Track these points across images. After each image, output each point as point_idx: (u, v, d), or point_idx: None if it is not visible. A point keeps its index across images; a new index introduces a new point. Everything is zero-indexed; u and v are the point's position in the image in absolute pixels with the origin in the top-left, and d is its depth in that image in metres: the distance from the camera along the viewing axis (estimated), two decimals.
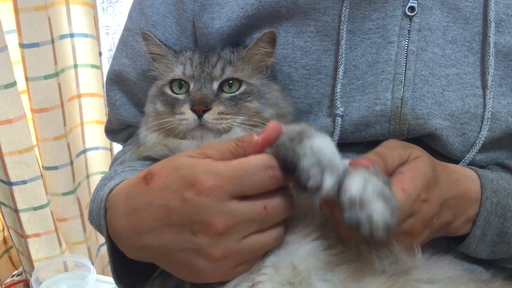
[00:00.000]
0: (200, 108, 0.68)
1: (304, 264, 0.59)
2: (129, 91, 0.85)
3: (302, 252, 0.59)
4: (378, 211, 0.51)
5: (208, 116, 0.68)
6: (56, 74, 1.45)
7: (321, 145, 0.55)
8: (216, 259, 0.56)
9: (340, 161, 0.55)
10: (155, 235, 0.58)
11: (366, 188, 0.52)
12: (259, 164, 0.55)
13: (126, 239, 0.61)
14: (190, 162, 0.56)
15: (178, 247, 0.57)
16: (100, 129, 1.61)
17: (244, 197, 0.55)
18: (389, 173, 0.60)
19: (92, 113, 1.63)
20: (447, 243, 0.73)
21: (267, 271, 0.59)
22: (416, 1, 0.71)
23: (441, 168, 0.65)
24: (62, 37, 1.49)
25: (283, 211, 0.57)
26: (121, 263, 0.66)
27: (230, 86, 0.72)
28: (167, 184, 0.57)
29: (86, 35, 1.55)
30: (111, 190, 0.65)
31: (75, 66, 1.55)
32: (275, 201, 0.56)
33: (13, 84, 1.32)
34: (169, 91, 0.73)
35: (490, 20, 0.70)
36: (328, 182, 0.53)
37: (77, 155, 1.60)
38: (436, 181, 0.62)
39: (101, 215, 0.65)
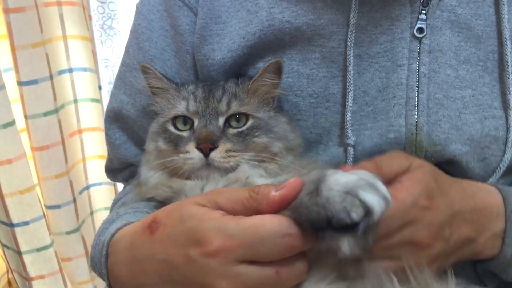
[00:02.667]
0: (207, 146, 0.65)
1: None
2: (129, 129, 0.82)
3: None
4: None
5: (215, 155, 0.65)
6: (56, 111, 1.43)
7: (338, 178, 0.50)
8: None
9: (370, 178, 0.50)
10: None
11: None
12: (276, 231, 0.49)
13: None
14: (198, 214, 0.52)
15: None
16: (103, 164, 1.58)
17: (254, 260, 0.51)
18: (385, 182, 0.55)
19: (93, 148, 1.60)
20: (476, 270, 0.68)
21: None
22: (425, 22, 0.68)
23: (451, 181, 0.62)
24: (61, 72, 1.47)
25: (297, 276, 0.53)
26: None
27: (238, 121, 0.68)
28: (172, 237, 0.53)
29: (85, 69, 1.53)
30: (112, 235, 0.62)
31: (75, 101, 1.53)
32: (289, 266, 0.51)
33: (12, 123, 1.30)
34: (172, 128, 0.70)
35: (505, 38, 0.68)
36: (371, 200, 0.47)
37: (80, 192, 1.57)
38: (442, 191, 0.59)
39: (103, 263, 0.61)
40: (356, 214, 0.47)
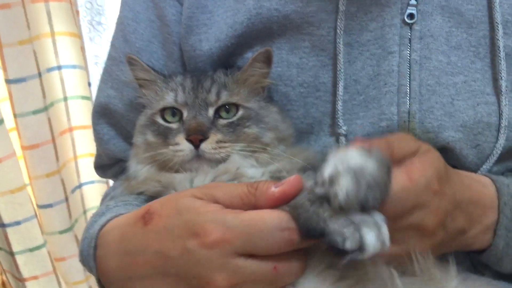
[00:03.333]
0: (197, 137, 0.63)
1: None
2: (117, 124, 0.80)
3: None
4: (344, 187, 0.47)
5: (205, 146, 0.63)
6: (45, 109, 1.42)
7: (351, 212, 0.49)
8: None
9: (377, 215, 0.50)
10: (149, 283, 0.53)
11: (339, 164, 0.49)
12: (275, 224, 0.49)
13: (117, 283, 0.56)
14: (196, 206, 0.51)
15: None
16: None
17: (252, 254, 0.50)
18: (395, 162, 0.55)
19: (85, 146, 1.58)
20: (471, 260, 0.68)
21: None
22: (415, 8, 0.67)
23: (451, 170, 0.61)
24: (50, 70, 1.46)
25: (295, 272, 0.52)
26: None
27: (227, 111, 0.67)
28: (168, 228, 0.52)
29: (74, 66, 1.51)
30: (102, 227, 0.61)
31: (65, 98, 1.52)
32: (287, 261, 0.51)
33: (1, 122, 1.29)
34: (160, 120, 0.68)
35: (497, 23, 0.66)
36: (370, 240, 0.47)
37: (72, 191, 1.56)
38: (448, 177, 0.58)
39: (91, 255, 0.60)
40: (350, 245, 0.46)
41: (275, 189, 0.50)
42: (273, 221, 0.49)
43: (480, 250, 0.65)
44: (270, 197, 0.50)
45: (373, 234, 0.47)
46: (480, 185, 0.64)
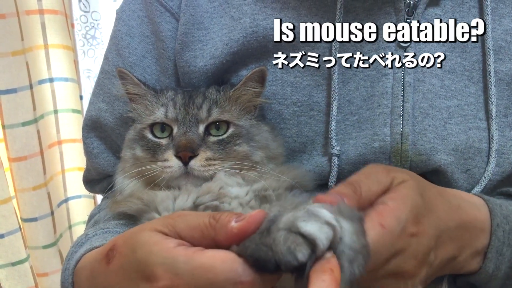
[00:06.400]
0: (186, 154, 0.63)
1: None
2: (107, 138, 0.79)
3: None
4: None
5: (194, 163, 0.63)
6: (35, 121, 1.40)
7: (286, 217, 0.44)
8: None
9: (314, 207, 0.45)
10: None
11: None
12: (227, 277, 0.44)
13: None
14: (150, 243, 0.48)
15: None
16: None
17: None
18: (366, 204, 0.52)
19: (73, 159, 1.56)
20: (455, 282, 0.66)
21: None
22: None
23: (436, 193, 0.58)
24: (41, 82, 1.44)
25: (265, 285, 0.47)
26: None
27: (218, 128, 0.66)
28: (125, 268, 0.50)
29: (66, 79, 1.50)
30: (77, 262, 0.60)
31: (55, 111, 1.50)
32: None
33: None
34: (149, 135, 0.68)
35: (488, 48, 0.67)
36: (312, 229, 0.42)
37: (58, 205, 1.53)
38: (429, 208, 0.55)
39: None
40: (301, 254, 0.42)
41: (234, 225, 0.46)
42: (224, 274, 0.44)
43: (467, 273, 0.63)
44: (229, 232, 0.46)
45: (312, 222, 0.42)
46: (471, 206, 0.61)
